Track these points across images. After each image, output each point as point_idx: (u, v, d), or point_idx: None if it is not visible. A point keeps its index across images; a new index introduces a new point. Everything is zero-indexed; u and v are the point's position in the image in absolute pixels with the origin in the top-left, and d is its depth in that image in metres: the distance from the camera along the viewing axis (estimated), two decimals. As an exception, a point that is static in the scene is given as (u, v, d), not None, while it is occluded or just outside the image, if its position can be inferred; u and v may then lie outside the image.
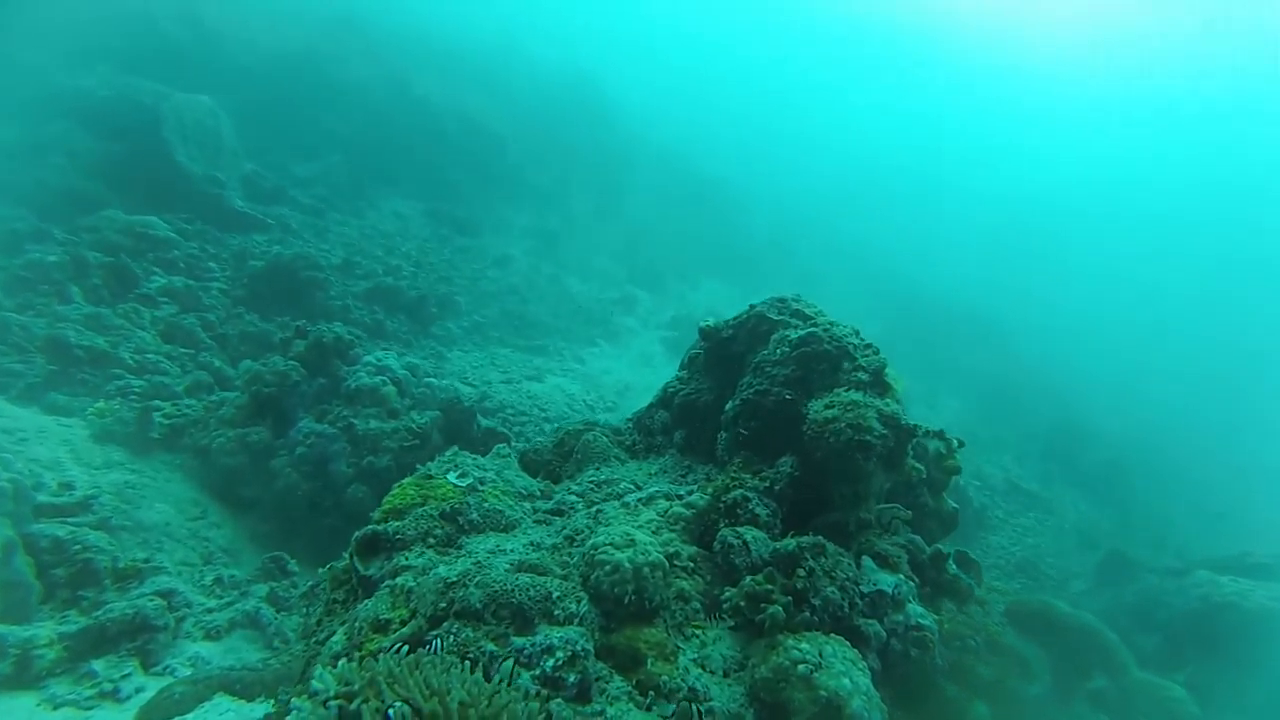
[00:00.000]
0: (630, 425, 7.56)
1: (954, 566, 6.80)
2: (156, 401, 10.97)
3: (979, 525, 16.75)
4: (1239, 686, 8.82)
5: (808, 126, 67.55)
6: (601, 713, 4.18)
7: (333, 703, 3.57)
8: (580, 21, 58.90)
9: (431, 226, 26.05)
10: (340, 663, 3.85)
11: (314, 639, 5.77)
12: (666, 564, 5.01)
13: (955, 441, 6.80)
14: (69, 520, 7.68)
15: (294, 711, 3.59)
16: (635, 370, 20.96)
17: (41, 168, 16.17)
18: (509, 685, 3.85)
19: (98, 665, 6.57)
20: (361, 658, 4.17)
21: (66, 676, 6.44)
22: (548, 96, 39.33)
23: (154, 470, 9.97)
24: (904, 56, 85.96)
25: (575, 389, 17.51)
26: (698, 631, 4.98)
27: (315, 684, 3.77)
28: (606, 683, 4.48)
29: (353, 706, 3.51)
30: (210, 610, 8.07)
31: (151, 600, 7.21)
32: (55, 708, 6.08)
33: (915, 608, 5.54)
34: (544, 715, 3.52)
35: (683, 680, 4.56)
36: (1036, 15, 79.64)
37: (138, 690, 6.58)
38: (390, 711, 3.35)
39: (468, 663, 3.94)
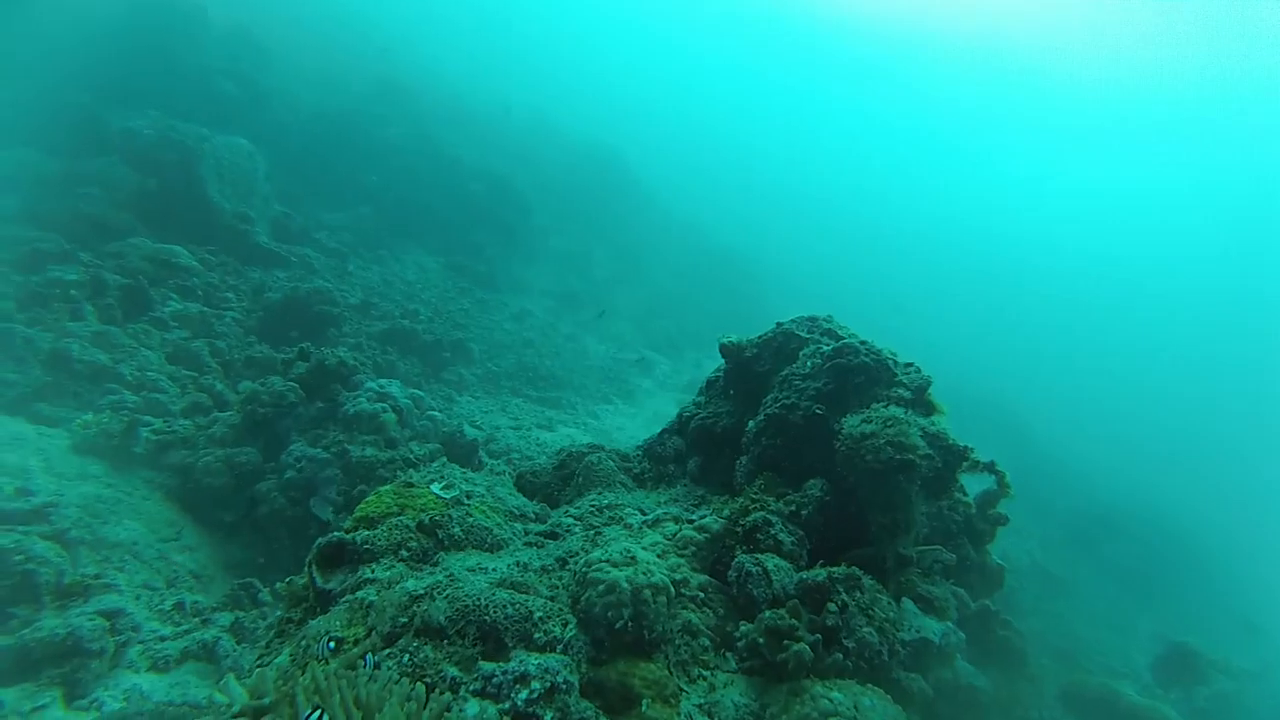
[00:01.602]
0: (640, 452, 6.83)
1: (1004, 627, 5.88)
2: (147, 417, 10.48)
3: (1007, 609, 15.30)
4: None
5: (826, 202, 68.87)
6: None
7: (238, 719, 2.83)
8: (609, 96, 61.56)
9: (452, 279, 26.12)
10: (255, 672, 3.13)
11: (259, 663, 4.98)
12: (672, 589, 4.22)
13: (1008, 484, 6.00)
14: (17, 528, 7.02)
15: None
16: (650, 428, 20.01)
17: (77, 197, 16.45)
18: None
19: (6, 695, 5.74)
20: (284, 670, 3.43)
21: (-35, 707, 5.63)
22: (573, 165, 40.45)
23: (131, 486, 9.35)
24: (915, 132, 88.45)
25: (586, 440, 16.75)
26: (706, 673, 4.14)
27: (218, 696, 3.04)
28: (591, 727, 3.64)
29: (263, 721, 2.77)
30: (163, 638, 7.23)
31: (91, 620, 6.43)
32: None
33: (965, 665, 4.65)
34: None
35: (685, 731, 3.71)
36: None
37: (49, 728, 5.74)
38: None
39: (411, 682, 3.17)
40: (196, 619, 7.69)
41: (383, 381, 11.22)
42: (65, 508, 7.86)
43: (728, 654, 4.34)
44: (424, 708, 2.72)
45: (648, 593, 4.04)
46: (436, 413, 11.89)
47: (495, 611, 3.99)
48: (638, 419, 21.54)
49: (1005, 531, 20.56)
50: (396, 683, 3.00)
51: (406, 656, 3.77)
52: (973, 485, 7.08)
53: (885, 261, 59.16)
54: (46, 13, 20.74)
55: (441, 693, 3.38)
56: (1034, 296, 62.98)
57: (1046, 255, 72.62)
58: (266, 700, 2.91)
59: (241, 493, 9.92)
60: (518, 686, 3.59)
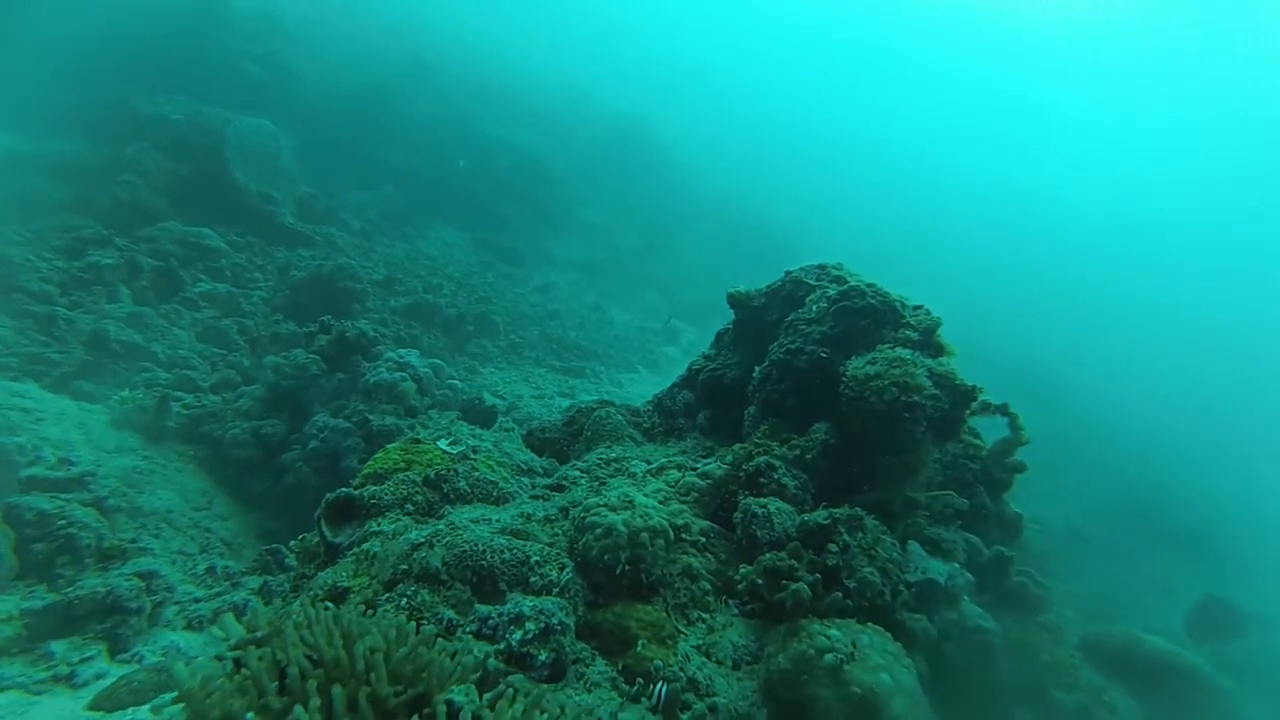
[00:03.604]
0: (650, 407, 6.79)
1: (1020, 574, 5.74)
2: (178, 393, 10.82)
3: (1039, 570, 14.95)
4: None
5: (864, 172, 66.98)
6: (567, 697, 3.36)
7: (230, 653, 2.90)
8: (638, 67, 60.45)
9: (477, 254, 26.24)
10: (250, 608, 3.22)
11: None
12: (671, 532, 4.20)
13: (1021, 426, 5.80)
14: (60, 495, 7.34)
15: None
16: (674, 396, 20.12)
17: (116, 184, 16.90)
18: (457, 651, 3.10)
19: (57, 647, 6.03)
20: (279, 608, 3.52)
21: (21, 657, 5.93)
22: (601, 138, 40.01)
23: (165, 458, 9.69)
24: (962, 100, 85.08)
25: (609, 408, 16.80)
26: (705, 616, 4.12)
27: (216, 630, 3.13)
28: (586, 665, 3.67)
29: (251, 665, 2.81)
30: (197, 600, 7.53)
31: (128, 580, 6.71)
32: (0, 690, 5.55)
33: (972, 606, 4.55)
34: (477, 673, 2.74)
35: (681, 669, 3.71)
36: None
37: (98, 677, 6.01)
38: (288, 670, 2.64)
39: (398, 613, 3.22)
40: (227, 582, 7.98)
41: (402, 351, 11.36)
42: (104, 478, 8.17)
43: (729, 600, 4.32)
44: (411, 636, 2.74)
45: (645, 536, 4.02)
46: (456, 381, 12.02)
47: (492, 556, 4.02)
48: (662, 386, 21.49)
49: (1042, 495, 20.13)
50: (387, 617, 3.04)
51: (404, 600, 3.83)
52: (990, 435, 6.88)
53: (922, 232, 57.39)
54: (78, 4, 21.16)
55: (437, 634, 3.42)
56: (1070, 258, 60.55)
57: (1078, 211, 69.52)
58: (259, 634, 2.98)
59: (269, 463, 10.21)
60: (512, 627, 3.62)
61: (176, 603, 7.40)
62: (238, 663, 2.81)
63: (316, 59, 30.00)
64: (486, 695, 2.56)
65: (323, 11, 34.30)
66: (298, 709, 2.29)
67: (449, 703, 2.37)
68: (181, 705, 2.41)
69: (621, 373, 21.14)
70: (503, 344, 19.52)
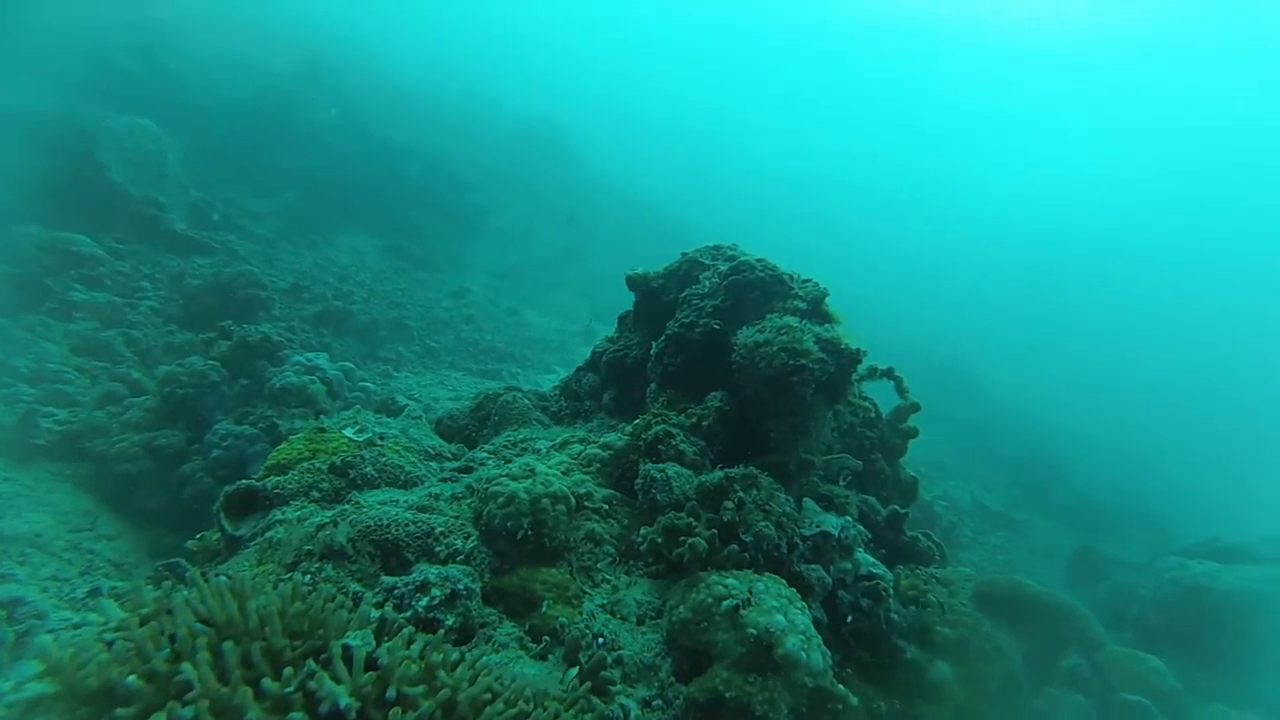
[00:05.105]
0: (557, 391, 6.90)
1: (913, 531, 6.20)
2: (49, 409, 10.01)
3: (946, 542, 16.03)
4: (1214, 668, 8.19)
5: (773, 170, 69.28)
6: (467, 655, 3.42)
7: (110, 633, 2.79)
8: (547, 69, 60.40)
9: (389, 260, 25.56)
10: (132, 588, 3.11)
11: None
12: (572, 499, 4.33)
13: (906, 389, 6.28)
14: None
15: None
16: (595, 396, 20.22)
17: (-46, 184, 15.41)
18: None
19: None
20: (165, 588, 3.40)
21: None
22: (512, 141, 39.79)
23: (34, 479, 8.92)
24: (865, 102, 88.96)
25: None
26: (609, 577, 4.27)
27: (94, 615, 3.01)
28: (494, 629, 3.74)
29: (135, 634, 2.72)
30: (76, 625, 6.99)
31: (-17, 611, 6.18)
32: None
33: (865, 555, 4.90)
34: (375, 624, 2.78)
35: (587, 626, 3.84)
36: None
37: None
38: (177, 633, 2.59)
39: (292, 576, 3.20)
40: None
41: (310, 355, 10.97)
42: (-49, 504, 7.49)
43: (633, 563, 4.48)
44: (308, 593, 2.74)
45: (546, 501, 4.13)
46: (369, 384, 11.70)
47: (396, 530, 4.02)
48: (583, 388, 21.55)
49: (953, 477, 21.55)
50: (281, 583, 3.01)
51: (308, 577, 3.78)
52: (886, 404, 7.39)
53: (841, 233, 60.04)
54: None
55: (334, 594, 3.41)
56: (996, 259, 64.84)
57: (989, 210, 74.46)
58: (145, 611, 2.89)
59: (165, 476, 9.60)
60: (418, 595, 3.64)
61: (50, 630, 6.84)
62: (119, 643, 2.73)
63: (200, 58, 28.41)
64: (385, 643, 2.60)
65: (205, 9, 32.56)
66: (185, 665, 2.27)
67: (344, 646, 2.41)
68: (47, 680, 2.32)
69: (539, 374, 21.05)
70: (417, 349, 19.09)
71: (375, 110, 32.85)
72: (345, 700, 2.21)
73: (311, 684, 2.25)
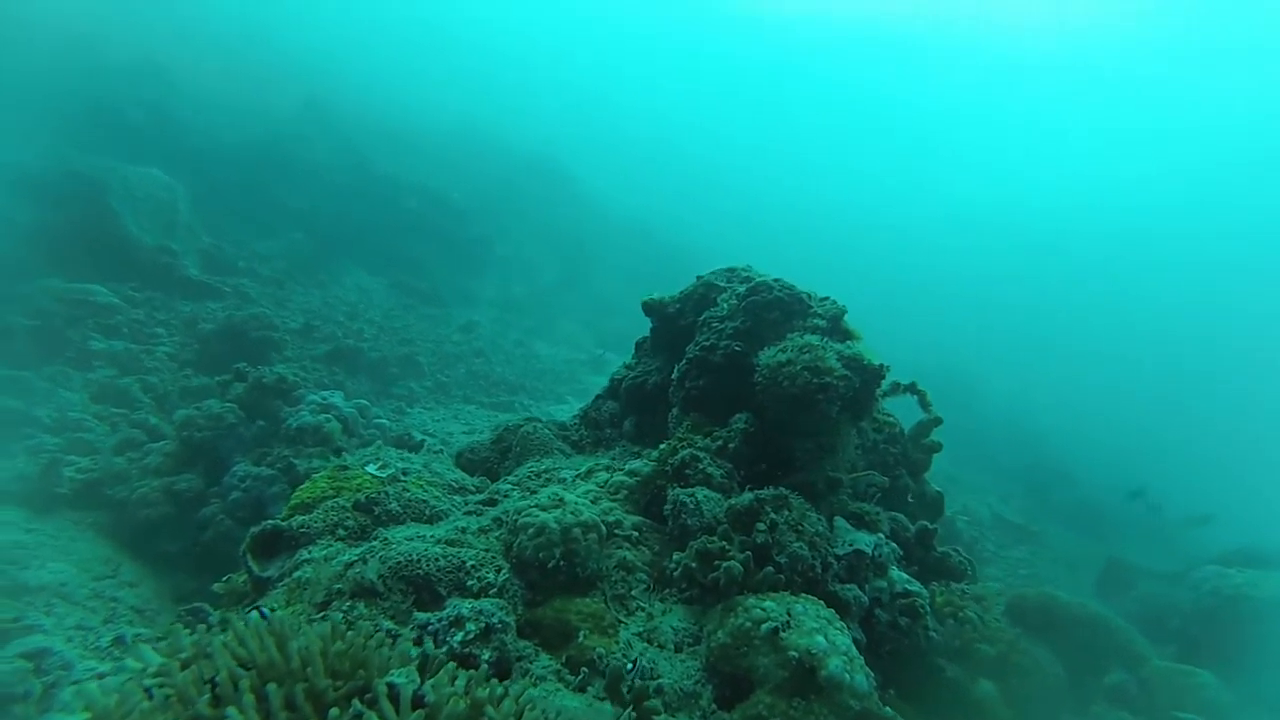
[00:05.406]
0: (577, 421, 6.87)
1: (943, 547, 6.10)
2: (71, 457, 10.05)
3: (970, 557, 15.85)
4: (1264, 680, 7.93)
5: (771, 186, 69.89)
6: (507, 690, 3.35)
7: (149, 680, 2.76)
8: (544, 100, 61.37)
9: (396, 297, 25.78)
10: (170, 633, 3.07)
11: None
12: (603, 527, 4.28)
13: (930, 402, 6.23)
14: (-86, 583, 6.67)
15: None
16: (607, 423, 20.16)
17: (-35, 242, 15.66)
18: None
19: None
20: (205, 631, 3.37)
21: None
22: (512, 173, 40.24)
23: (57, 529, 8.93)
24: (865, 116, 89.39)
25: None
26: (643, 605, 4.20)
27: (131, 662, 2.98)
28: (530, 661, 3.68)
29: (176, 679, 2.69)
30: (102, 675, 6.93)
31: (10, 664, 6.12)
32: None
33: (899, 573, 4.82)
34: (418, 660, 2.74)
35: (624, 656, 3.76)
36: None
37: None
38: (217, 677, 2.55)
39: (325, 615, 3.16)
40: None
41: (325, 393, 11.01)
42: (-26, 558, 7.50)
43: (667, 591, 4.42)
44: (346, 632, 2.71)
45: (577, 530, 4.08)
46: (384, 420, 11.71)
47: (427, 564, 3.98)
48: (595, 415, 21.50)
49: (967, 489, 21.33)
50: (321, 623, 2.98)
51: (340, 615, 3.74)
52: (907, 422, 7.33)
53: (841, 251, 60.29)
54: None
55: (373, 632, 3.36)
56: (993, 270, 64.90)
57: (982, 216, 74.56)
58: (184, 656, 2.86)
59: (185, 521, 9.60)
60: (453, 630, 3.59)
61: (75, 681, 6.79)
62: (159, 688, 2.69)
63: (204, 105, 29.03)
64: (430, 679, 2.56)
65: (207, 57, 33.38)
66: (230, 710, 2.24)
67: (389, 685, 2.36)
68: (97, 726, 2.30)
69: (551, 404, 21.04)
70: (429, 384, 19.13)
71: (375, 147, 33.39)
72: (395, 740, 2.16)
73: (360, 725, 2.21)
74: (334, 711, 2.27)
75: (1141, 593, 10.81)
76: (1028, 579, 15.68)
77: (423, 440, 11.08)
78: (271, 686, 2.31)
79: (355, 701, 2.30)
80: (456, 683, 2.50)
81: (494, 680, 2.65)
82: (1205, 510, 20.82)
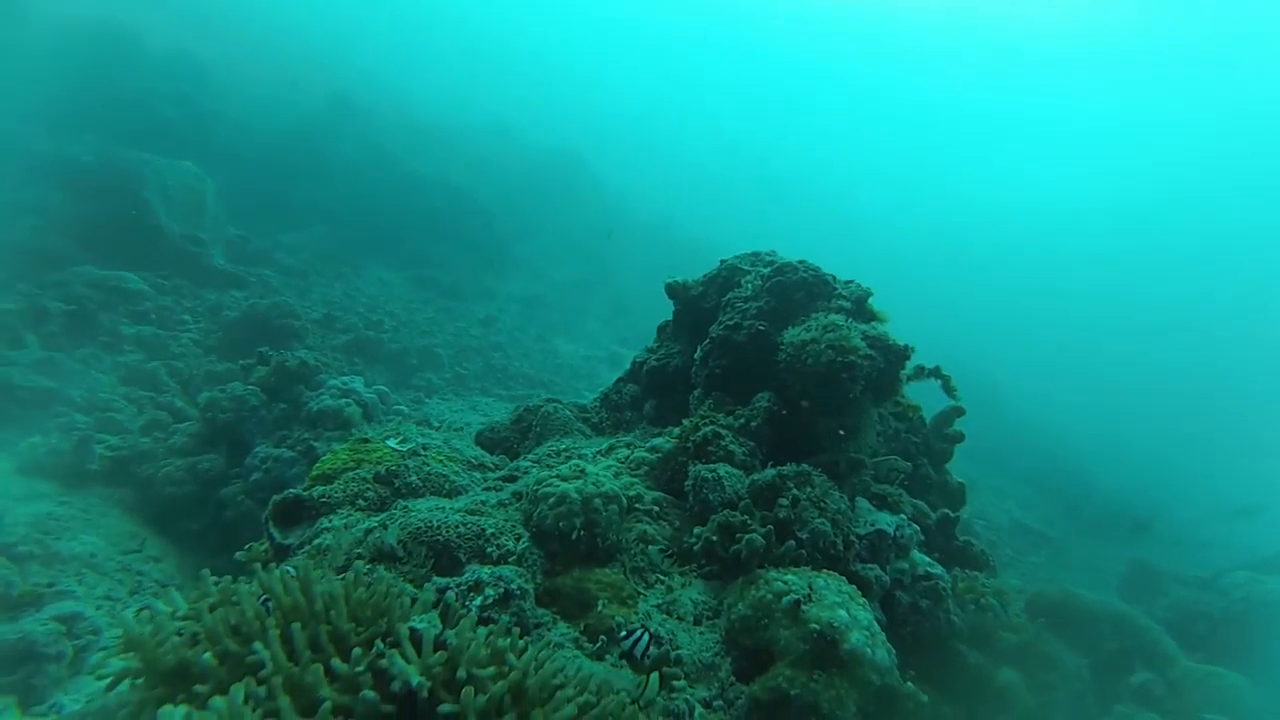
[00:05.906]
0: (597, 403, 6.86)
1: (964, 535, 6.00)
2: (101, 435, 10.25)
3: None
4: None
5: (788, 183, 69.58)
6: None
7: (178, 621, 2.79)
8: (567, 100, 61.63)
9: (416, 291, 26.01)
10: (198, 580, 3.11)
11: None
12: (624, 499, 4.27)
13: (954, 388, 6.14)
14: (-44, 546, 6.83)
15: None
16: (624, 419, 20.16)
17: (12, 229, 16.04)
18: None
19: (-47, 705, 5.57)
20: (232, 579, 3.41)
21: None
22: (534, 172, 40.48)
23: (87, 503, 9.13)
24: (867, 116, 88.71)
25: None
26: (663, 577, 4.18)
27: (161, 605, 3.01)
28: (548, 629, 3.67)
29: (204, 619, 2.71)
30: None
31: (44, 625, 6.25)
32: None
33: (921, 556, 4.75)
34: (438, 607, 2.74)
35: (643, 627, 3.74)
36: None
37: (5, 733, 5.57)
38: (244, 616, 2.58)
39: (357, 569, 3.18)
40: (164, 620, 7.52)
41: (345, 378, 11.12)
42: (11, 525, 7.67)
43: (688, 565, 4.39)
44: (369, 581, 2.72)
45: (598, 501, 4.07)
46: (403, 407, 11.81)
47: (447, 530, 3.99)
48: (612, 411, 21.50)
49: (985, 494, 21.01)
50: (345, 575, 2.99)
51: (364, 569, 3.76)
52: (929, 412, 7.23)
53: (858, 248, 59.88)
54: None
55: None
56: (1003, 274, 64.13)
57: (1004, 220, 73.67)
58: (210, 600, 2.89)
59: (207, 500, 9.74)
60: (472, 594, 3.60)
61: (103, 647, 6.91)
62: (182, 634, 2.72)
63: (234, 98, 29.51)
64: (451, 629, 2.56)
65: (240, 51, 33.91)
66: (256, 645, 2.25)
67: (412, 629, 2.37)
68: (130, 654, 2.33)
69: (569, 399, 21.06)
70: (448, 376, 19.26)
71: (400, 144, 33.74)
72: (417, 679, 2.16)
73: (382, 663, 2.21)
74: (357, 651, 2.28)
75: (1171, 599, 10.55)
76: (1048, 584, 15.40)
77: (441, 427, 11.14)
78: (296, 626, 2.33)
79: (378, 642, 2.31)
80: (478, 631, 2.49)
81: (516, 632, 2.64)
82: (1254, 500, 20.29)
